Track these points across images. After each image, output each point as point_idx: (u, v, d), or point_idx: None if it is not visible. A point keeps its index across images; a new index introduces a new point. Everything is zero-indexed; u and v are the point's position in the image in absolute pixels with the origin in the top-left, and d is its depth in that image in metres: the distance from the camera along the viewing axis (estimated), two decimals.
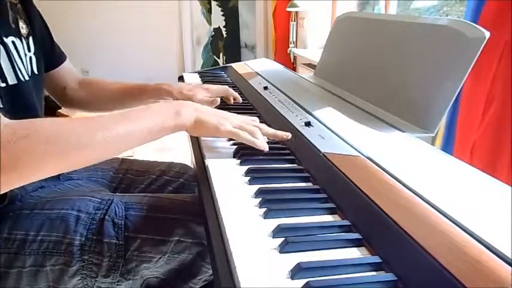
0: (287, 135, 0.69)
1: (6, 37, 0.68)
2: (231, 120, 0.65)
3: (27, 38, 0.75)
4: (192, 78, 1.32)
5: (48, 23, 0.88)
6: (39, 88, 0.78)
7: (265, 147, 0.65)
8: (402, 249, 0.40)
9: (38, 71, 0.77)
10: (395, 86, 0.82)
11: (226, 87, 0.98)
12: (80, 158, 0.52)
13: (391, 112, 0.79)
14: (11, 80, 0.67)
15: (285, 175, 0.60)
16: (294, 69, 3.07)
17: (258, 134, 0.66)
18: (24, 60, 0.72)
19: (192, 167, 0.66)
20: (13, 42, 0.69)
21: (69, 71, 0.94)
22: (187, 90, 0.92)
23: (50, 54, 0.87)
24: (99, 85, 0.97)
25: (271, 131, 0.69)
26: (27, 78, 0.72)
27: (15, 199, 0.69)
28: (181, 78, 1.33)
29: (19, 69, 0.69)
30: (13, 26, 0.71)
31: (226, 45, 4.22)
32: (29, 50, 0.75)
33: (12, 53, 0.68)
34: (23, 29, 0.74)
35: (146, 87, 0.94)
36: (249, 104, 0.99)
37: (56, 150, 0.49)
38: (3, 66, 0.65)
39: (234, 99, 0.97)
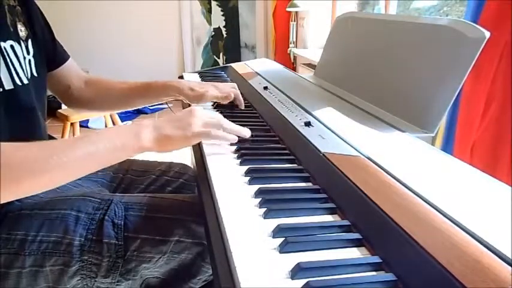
0: (247, 132, 0.69)
1: (4, 41, 0.67)
2: (195, 122, 0.64)
3: (26, 41, 0.74)
4: (192, 78, 1.32)
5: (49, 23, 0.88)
6: (40, 90, 0.78)
7: (234, 139, 0.66)
8: (402, 249, 0.39)
9: (37, 73, 0.76)
10: (396, 86, 0.81)
11: (236, 90, 0.95)
12: (35, 183, 0.52)
13: (391, 112, 0.79)
14: (7, 85, 0.66)
15: (285, 175, 0.60)
16: (294, 69, 3.07)
17: (224, 123, 0.66)
18: (23, 63, 0.72)
19: (192, 167, 0.66)
20: (12, 46, 0.69)
21: (73, 69, 0.93)
22: (200, 87, 0.90)
23: (52, 54, 0.86)
24: (105, 84, 0.96)
25: (230, 126, 0.69)
26: (26, 82, 0.71)
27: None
28: (181, 78, 1.33)
29: (17, 73, 0.69)
30: (11, 29, 0.70)
31: (226, 45, 4.22)
32: (28, 53, 0.74)
33: (10, 58, 0.68)
34: (22, 31, 0.74)
35: (153, 84, 0.93)
36: (249, 104, 0.99)
37: (9, 177, 0.49)
38: (0, 71, 0.65)
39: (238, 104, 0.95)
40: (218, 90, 0.91)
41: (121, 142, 0.59)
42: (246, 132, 0.69)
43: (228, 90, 0.92)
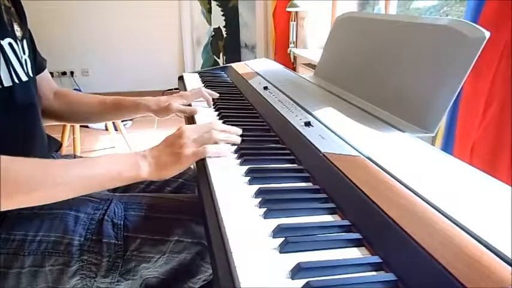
0: (238, 130, 0.72)
1: (3, 39, 0.67)
2: (185, 144, 0.65)
3: (21, 41, 0.74)
4: (192, 78, 1.32)
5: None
6: (36, 89, 0.78)
7: (230, 150, 0.67)
8: (402, 249, 0.39)
9: (32, 73, 0.76)
10: (396, 86, 0.81)
11: (200, 89, 1.00)
12: (27, 199, 0.54)
13: (391, 112, 0.79)
14: (6, 82, 0.67)
15: (285, 175, 0.59)
16: (294, 69, 3.07)
17: (215, 136, 0.67)
18: (22, 61, 0.72)
19: (192, 167, 0.66)
20: (10, 44, 0.69)
21: (47, 79, 0.93)
22: (164, 101, 0.94)
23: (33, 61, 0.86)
24: (74, 98, 0.97)
25: (222, 128, 0.71)
26: (26, 79, 0.72)
27: None
28: (181, 78, 1.33)
29: (15, 71, 0.69)
30: (9, 28, 0.71)
31: (226, 45, 4.22)
32: (24, 53, 0.74)
33: (8, 55, 0.68)
34: (18, 31, 0.74)
35: (123, 101, 0.96)
36: (249, 104, 0.99)
37: (3, 191, 0.50)
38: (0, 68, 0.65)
39: (213, 97, 1.00)
40: (184, 98, 0.96)
41: (117, 171, 0.60)
42: (237, 130, 0.72)
43: (195, 93, 0.98)
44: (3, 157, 0.51)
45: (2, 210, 0.51)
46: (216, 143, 0.67)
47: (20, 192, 0.52)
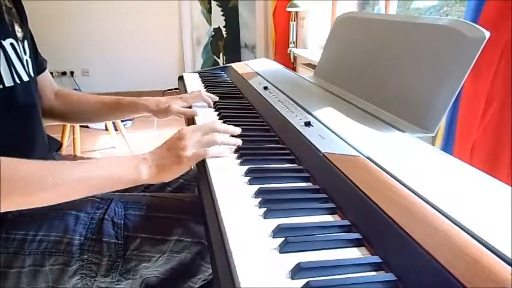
0: (237, 132, 0.72)
1: (4, 39, 0.67)
2: (186, 145, 0.64)
3: (22, 41, 0.75)
4: (192, 78, 1.32)
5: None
6: (36, 89, 0.78)
7: (231, 151, 0.67)
8: (402, 249, 0.39)
9: (33, 73, 0.77)
10: (396, 86, 0.81)
11: (200, 91, 1.00)
12: (28, 201, 0.54)
13: (391, 112, 0.79)
14: (8, 82, 0.67)
15: (285, 175, 0.60)
16: (294, 69, 3.07)
17: (216, 138, 0.67)
18: (23, 61, 0.72)
19: (192, 167, 0.66)
20: (11, 44, 0.69)
21: (48, 80, 0.93)
22: (164, 103, 0.94)
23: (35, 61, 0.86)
24: (75, 98, 0.97)
25: (222, 128, 0.71)
26: (27, 79, 0.72)
27: None
28: (181, 78, 1.33)
29: (16, 71, 0.69)
30: (10, 28, 0.71)
31: (226, 45, 4.22)
32: (25, 53, 0.75)
33: (10, 55, 0.68)
34: (19, 32, 0.74)
35: (122, 101, 0.96)
36: (249, 104, 0.99)
37: (5, 191, 0.50)
38: (1, 68, 0.65)
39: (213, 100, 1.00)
40: (184, 101, 0.96)
41: (118, 174, 0.60)
42: (237, 130, 0.73)
43: (195, 96, 0.98)
44: (6, 158, 0.51)
45: (3, 211, 0.52)
46: (216, 143, 0.67)
47: (22, 193, 0.52)
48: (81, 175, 0.58)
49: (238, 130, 0.72)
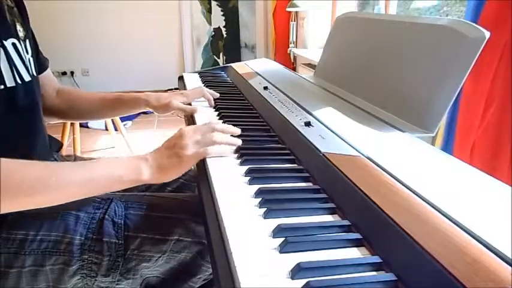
0: (237, 132, 0.72)
1: (6, 39, 0.67)
2: (186, 145, 0.64)
3: (24, 41, 0.75)
4: (192, 78, 1.32)
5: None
6: (38, 89, 0.78)
7: (231, 151, 0.67)
8: (402, 249, 0.39)
9: (35, 73, 0.77)
10: (396, 86, 0.82)
11: (201, 88, 1.00)
12: (30, 202, 0.54)
13: (391, 112, 0.79)
14: (9, 83, 0.67)
15: (285, 175, 0.60)
16: (294, 69, 3.07)
17: (216, 137, 0.66)
18: (25, 61, 0.72)
19: (192, 167, 0.66)
20: (13, 44, 0.69)
21: (49, 78, 0.94)
22: (164, 98, 0.94)
23: (36, 60, 0.87)
24: (76, 95, 0.98)
25: (222, 128, 0.70)
26: (29, 79, 0.72)
27: None
28: (181, 78, 1.33)
29: (18, 71, 0.69)
30: (12, 28, 0.71)
31: (226, 45, 4.22)
32: (27, 53, 0.75)
33: (11, 56, 0.68)
34: (20, 32, 0.74)
35: (123, 97, 0.96)
36: (249, 104, 0.99)
37: (7, 193, 0.50)
38: (2, 68, 0.65)
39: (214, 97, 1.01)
40: (184, 97, 0.96)
41: (119, 174, 0.60)
42: (236, 130, 0.72)
43: (196, 92, 0.98)
44: (9, 160, 0.52)
45: (4, 212, 0.52)
46: (216, 143, 0.67)
47: (23, 194, 0.52)
48: (83, 176, 0.58)
49: (238, 131, 0.72)
